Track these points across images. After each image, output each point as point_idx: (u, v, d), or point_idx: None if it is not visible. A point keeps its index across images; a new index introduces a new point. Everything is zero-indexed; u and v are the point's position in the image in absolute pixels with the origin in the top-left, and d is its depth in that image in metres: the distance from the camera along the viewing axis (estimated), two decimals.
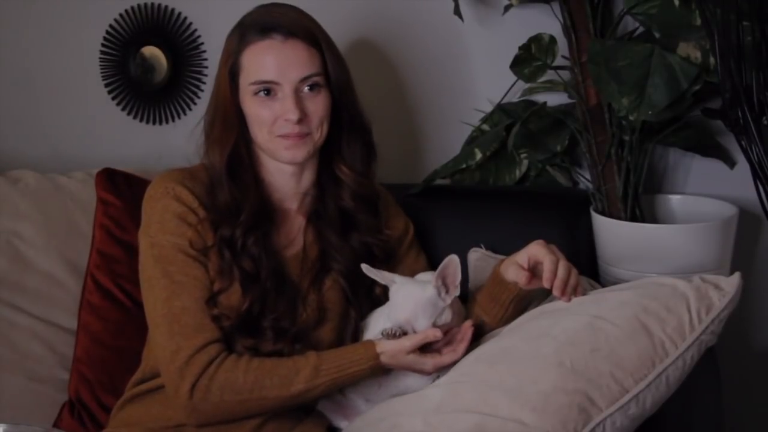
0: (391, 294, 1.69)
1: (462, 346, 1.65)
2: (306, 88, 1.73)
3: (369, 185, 1.85)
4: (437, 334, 1.63)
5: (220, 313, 1.70)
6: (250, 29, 1.75)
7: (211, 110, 1.80)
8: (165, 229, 1.72)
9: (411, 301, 1.66)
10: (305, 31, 1.74)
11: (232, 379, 1.65)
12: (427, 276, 1.72)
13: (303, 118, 1.72)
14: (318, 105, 1.74)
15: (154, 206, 1.75)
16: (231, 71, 1.76)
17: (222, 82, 1.78)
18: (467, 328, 1.66)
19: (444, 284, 1.67)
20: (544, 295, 1.74)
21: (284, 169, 1.80)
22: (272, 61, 1.72)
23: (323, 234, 1.81)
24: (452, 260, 1.66)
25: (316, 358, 1.67)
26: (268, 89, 1.73)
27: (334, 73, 1.76)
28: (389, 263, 1.83)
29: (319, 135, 1.76)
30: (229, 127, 1.77)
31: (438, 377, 1.68)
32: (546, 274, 1.64)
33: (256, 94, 1.74)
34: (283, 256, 1.80)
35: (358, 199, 1.83)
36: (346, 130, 1.81)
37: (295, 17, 1.76)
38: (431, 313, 1.66)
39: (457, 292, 1.68)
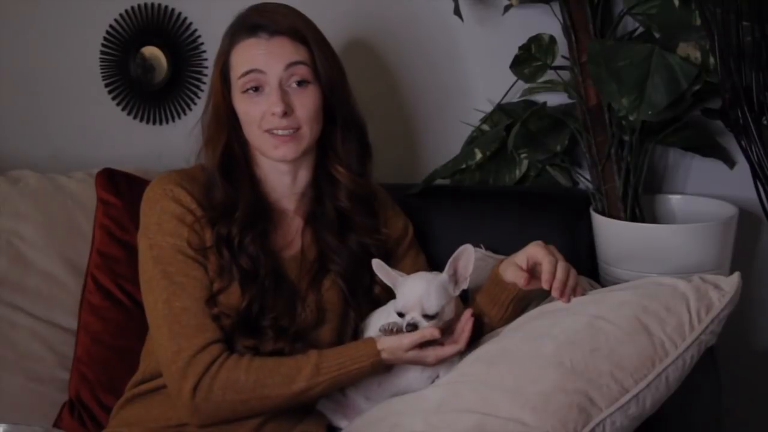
0: (399, 286, 1.68)
1: (464, 338, 1.65)
2: (293, 84, 1.75)
3: (365, 185, 1.85)
4: (435, 333, 1.63)
5: (219, 312, 1.70)
6: (239, 29, 1.78)
7: (207, 111, 1.82)
8: (163, 231, 1.73)
9: (422, 285, 1.65)
10: (291, 29, 1.76)
11: (233, 379, 1.66)
12: (431, 273, 1.72)
13: (289, 113, 1.73)
14: (305, 100, 1.75)
15: (152, 208, 1.75)
16: (222, 71, 1.79)
17: (215, 82, 1.80)
18: (467, 320, 1.66)
19: (455, 275, 1.67)
20: (544, 296, 1.74)
21: (279, 167, 1.80)
22: (257, 54, 1.74)
23: (321, 235, 1.82)
24: (466, 249, 1.66)
25: (317, 357, 1.67)
26: (256, 86, 1.74)
27: (323, 70, 1.77)
28: (388, 263, 1.83)
29: (309, 132, 1.76)
30: (221, 127, 1.79)
31: (438, 377, 1.68)
32: (545, 276, 1.64)
33: (245, 91, 1.75)
34: (282, 257, 1.80)
35: (354, 200, 1.83)
36: (340, 128, 1.82)
37: (282, 16, 1.77)
38: (441, 297, 1.65)
39: (466, 285, 1.68)
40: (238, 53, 1.76)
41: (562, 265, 1.65)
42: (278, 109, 1.72)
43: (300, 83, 1.75)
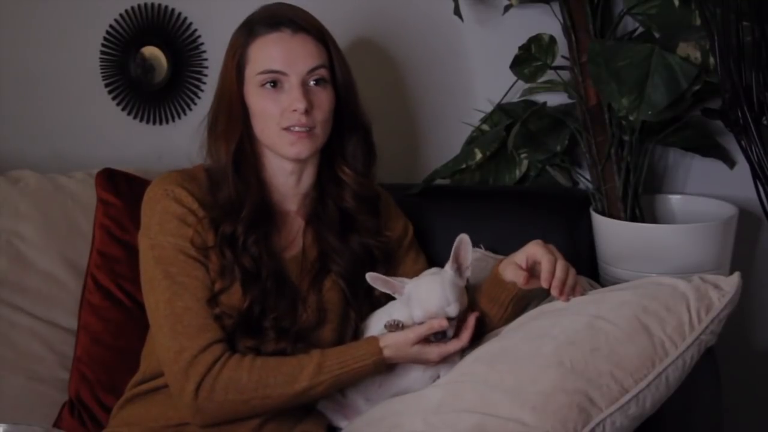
0: (409, 293, 1.68)
1: (466, 334, 1.65)
2: (312, 82, 1.75)
3: (370, 186, 1.86)
4: (443, 323, 1.63)
5: (221, 312, 1.70)
6: (259, 24, 1.77)
7: (215, 106, 1.81)
8: (165, 231, 1.73)
9: (437, 289, 1.65)
10: (314, 27, 1.77)
11: (236, 378, 1.66)
12: (433, 271, 1.72)
13: (309, 110, 1.73)
14: (323, 99, 1.75)
15: (153, 208, 1.75)
16: (238, 64, 1.77)
17: (228, 76, 1.78)
18: (471, 317, 1.67)
19: (458, 265, 1.68)
20: (544, 295, 1.74)
21: (285, 167, 1.80)
22: (280, 52, 1.74)
23: (322, 236, 1.82)
24: (464, 239, 1.68)
25: (319, 356, 1.67)
26: (274, 81, 1.74)
27: (339, 72, 1.78)
28: (389, 265, 1.84)
29: (322, 131, 1.76)
30: (235, 122, 1.77)
31: (438, 377, 1.68)
32: (544, 274, 1.64)
33: (262, 86, 1.74)
34: (283, 257, 1.80)
35: (359, 200, 1.84)
36: (348, 130, 1.82)
37: (303, 14, 1.79)
38: (458, 295, 1.66)
39: (469, 274, 1.69)
40: (258, 47, 1.75)
41: (561, 264, 1.65)
42: (301, 105, 1.72)
43: (318, 82, 1.75)
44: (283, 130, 1.74)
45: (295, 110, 1.72)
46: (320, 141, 1.77)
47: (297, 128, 1.73)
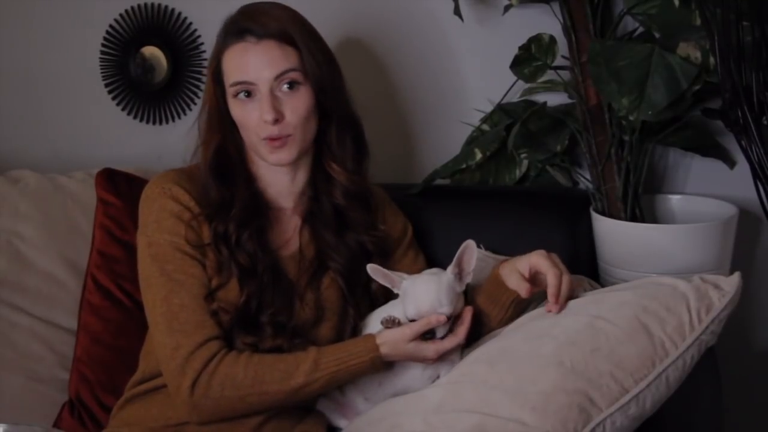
0: (405, 289, 1.68)
1: (462, 330, 1.65)
2: (284, 87, 1.74)
3: (360, 183, 1.84)
4: (440, 319, 1.63)
5: (218, 308, 1.71)
6: (229, 32, 1.77)
7: (203, 112, 1.82)
8: (162, 228, 1.73)
9: (433, 288, 1.65)
10: (279, 30, 1.74)
11: (232, 375, 1.66)
12: (433, 271, 1.72)
13: (280, 119, 1.72)
14: (297, 103, 1.74)
15: (150, 206, 1.76)
16: (214, 74, 1.78)
17: (208, 84, 1.80)
18: (467, 312, 1.67)
19: (459, 270, 1.68)
20: (543, 296, 1.74)
21: (278, 168, 1.80)
22: (247, 62, 1.73)
23: (319, 233, 1.82)
24: (469, 245, 1.67)
25: (316, 352, 1.67)
26: (248, 91, 1.74)
27: (312, 70, 1.74)
28: (386, 261, 1.84)
29: (303, 134, 1.75)
30: (215, 129, 1.79)
31: (438, 377, 1.68)
32: (551, 289, 1.65)
33: (236, 96, 1.75)
34: (280, 256, 1.80)
35: (349, 197, 1.83)
36: (335, 126, 1.81)
37: (270, 18, 1.75)
38: (453, 297, 1.65)
39: (469, 279, 1.69)
40: (227, 59, 1.76)
41: (566, 279, 1.66)
42: (269, 117, 1.71)
43: (291, 85, 1.74)
44: (263, 139, 1.74)
45: (265, 121, 1.72)
46: (302, 144, 1.76)
47: (272, 138, 1.73)
